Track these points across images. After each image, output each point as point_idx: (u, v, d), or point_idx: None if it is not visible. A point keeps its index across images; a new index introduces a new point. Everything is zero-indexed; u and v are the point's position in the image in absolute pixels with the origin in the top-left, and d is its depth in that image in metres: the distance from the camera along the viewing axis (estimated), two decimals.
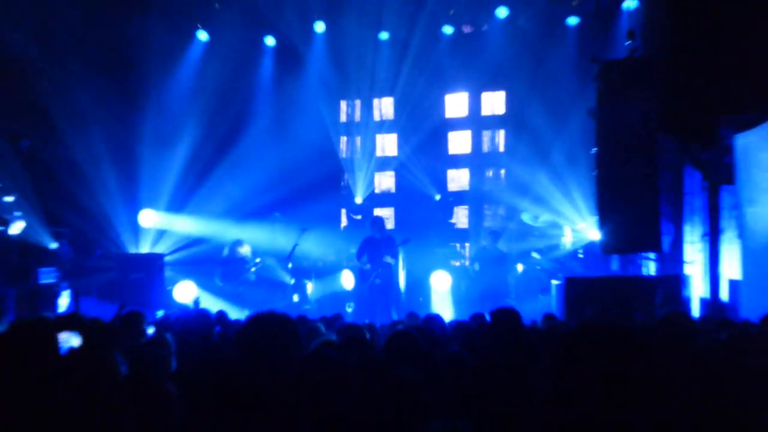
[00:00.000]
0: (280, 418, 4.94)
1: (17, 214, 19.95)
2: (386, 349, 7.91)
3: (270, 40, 25.16)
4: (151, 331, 11.33)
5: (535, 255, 22.16)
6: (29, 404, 4.43)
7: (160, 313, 16.24)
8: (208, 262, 23.00)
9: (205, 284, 22.20)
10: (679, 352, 7.66)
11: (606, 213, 17.30)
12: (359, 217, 25.31)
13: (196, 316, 9.22)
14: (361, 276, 21.28)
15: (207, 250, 23.68)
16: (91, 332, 6.05)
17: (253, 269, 22.28)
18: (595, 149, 17.80)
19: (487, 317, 17.90)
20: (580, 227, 21.70)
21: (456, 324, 11.85)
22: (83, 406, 4.88)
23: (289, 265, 21.95)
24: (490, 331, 8.72)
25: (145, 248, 24.40)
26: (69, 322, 10.14)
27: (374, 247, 20.87)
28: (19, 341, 4.77)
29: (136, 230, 24.46)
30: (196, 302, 17.75)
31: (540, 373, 6.16)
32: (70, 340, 6.94)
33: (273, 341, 6.06)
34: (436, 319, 11.21)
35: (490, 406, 4.92)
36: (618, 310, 14.37)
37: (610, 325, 3.98)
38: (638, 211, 16.81)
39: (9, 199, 20.78)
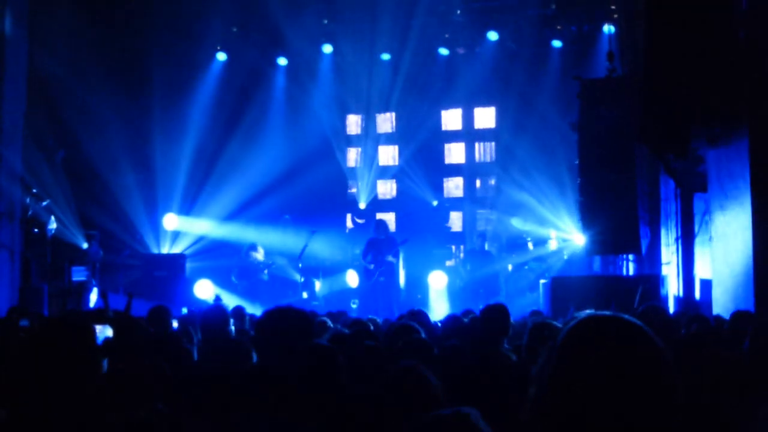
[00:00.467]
0: (296, 403, 4.94)
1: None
2: (391, 340, 7.92)
3: (282, 60, 25.21)
4: (175, 325, 11.40)
5: (529, 244, 22.28)
6: (74, 386, 4.42)
7: (184, 311, 16.25)
8: (225, 262, 23.05)
9: (221, 282, 22.27)
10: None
11: (588, 218, 17.33)
12: (363, 221, 25.38)
13: (214, 310, 9.22)
14: (365, 274, 21.33)
15: (223, 250, 23.70)
16: (121, 325, 6.06)
17: (266, 272, 22.30)
18: (578, 159, 17.83)
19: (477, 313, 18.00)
20: (565, 231, 21.72)
21: (449, 318, 11.84)
22: (121, 390, 4.89)
23: (299, 265, 22.01)
24: (481, 325, 8.73)
25: (167, 249, 24.47)
26: (99, 315, 10.19)
27: (378, 247, 20.94)
28: (65, 331, 4.75)
29: (159, 232, 24.54)
30: (217, 299, 17.81)
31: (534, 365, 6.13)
32: (105, 331, 6.97)
33: (289, 332, 6.09)
34: (422, 314, 11.23)
35: (488, 397, 4.90)
36: (598, 307, 14.36)
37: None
38: (618, 215, 16.83)
39: (44, 203, 20.90)
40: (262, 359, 5.96)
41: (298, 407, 4.82)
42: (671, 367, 2.57)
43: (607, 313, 2.70)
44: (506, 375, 5.54)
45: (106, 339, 5.69)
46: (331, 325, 9.98)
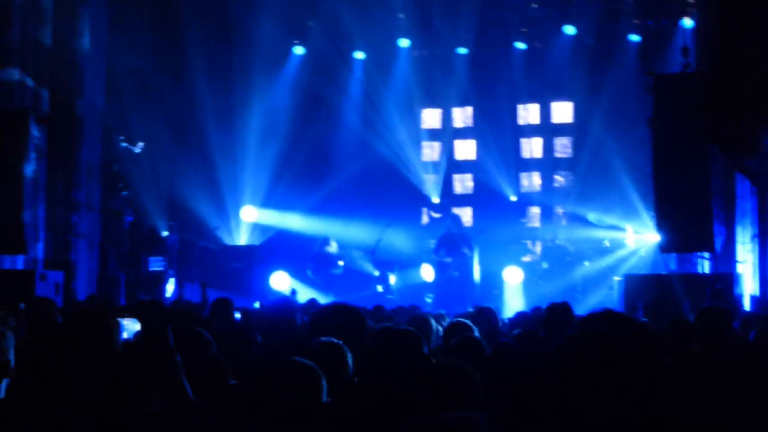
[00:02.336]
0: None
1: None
2: (445, 338, 8.10)
3: (359, 54, 25.47)
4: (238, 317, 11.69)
5: (606, 243, 22.23)
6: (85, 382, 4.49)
7: (257, 305, 16.56)
8: (301, 254, 23.30)
9: (298, 274, 22.56)
10: (717, 342, 7.79)
11: (663, 215, 17.27)
12: (439, 215, 25.50)
13: (280, 303, 9.39)
14: (440, 269, 21.50)
15: (301, 243, 23.97)
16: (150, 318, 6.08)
17: (341, 263, 22.51)
18: (652, 156, 17.79)
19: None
20: (642, 228, 21.66)
21: (518, 316, 11.96)
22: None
23: (374, 259, 22.22)
24: (544, 324, 8.84)
25: (244, 240, 24.83)
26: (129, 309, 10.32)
27: (452, 242, 21.10)
28: (80, 326, 4.80)
29: (237, 224, 24.93)
30: (293, 292, 18.11)
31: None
32: (134, 326, 7.04)
33: (340, 328, 6.31)
34: (489, 312, 11.30)
35: (524, 401, 4.98)
36: (668, 305, 14.40)
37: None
38: (692, 213, 16.76)
39: (124, 193, 21.41)
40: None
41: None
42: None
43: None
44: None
45: (136, 333, 5.86)
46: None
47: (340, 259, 22.68)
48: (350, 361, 5.64)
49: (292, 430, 4.19)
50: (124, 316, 5.77)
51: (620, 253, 22.12)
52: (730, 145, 14.10)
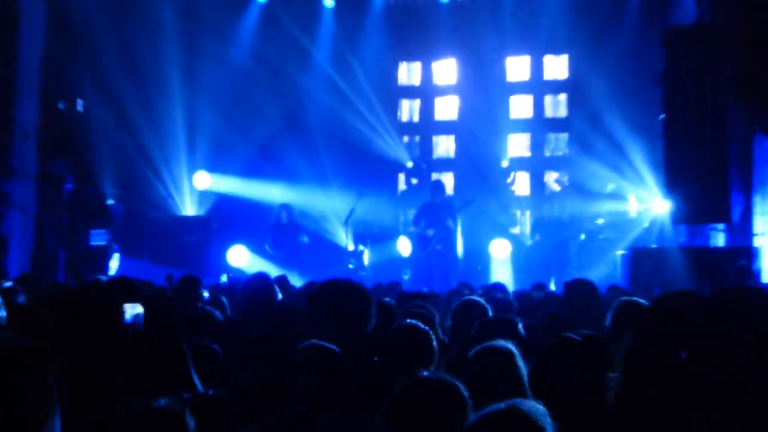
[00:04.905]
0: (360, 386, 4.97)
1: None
2: (456, 317, 7.92)
3: (328, 1, 25.13)
4: (206, 295, 11.44)
5: (599, 221, 22.08)
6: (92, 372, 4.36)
7: (224, 278, 16.32)
8: (262, 226, 23.02)
9: (257, 249, 22.31)
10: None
11: (673, 182, 17.15)
12: (416, 181, 25.29)
13: (258, 280, 9.18)
14: (419, 242, 21.29)
15: (261, 213, 23.67)
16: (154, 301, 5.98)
17: (305, 238, 22.21)
18: (662, 117, 17.64)
19: (550, 287, 17.97)
20: (646, 196, 21.54)
21: (519, 295, 11.79)
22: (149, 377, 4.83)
23: (346, 231, 21.98)
24: (564, 302, 8.69)
25: (198, 210, 24.50)
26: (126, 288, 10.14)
27: (433, 212, 20.87)
28: (87, 308, 4.64)
29: (189, 192, 24.57)
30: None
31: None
32: (135, 308, 6.94)
33: (347, 312, 6.12)
34: (500, 288, 11.13)
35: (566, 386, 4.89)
36: (686, 283, 14.29)
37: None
38: (707, 180, 16.64)
39: (62, 158, 21.01)
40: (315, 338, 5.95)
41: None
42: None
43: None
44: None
45: (137, 317, 5.71)
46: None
47: (304, 230, 22.39)
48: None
49: None
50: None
51: (621, 223, 22.00)
52: (750, 104, 13.97)
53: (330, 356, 5.22)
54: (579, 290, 8.62)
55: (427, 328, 5.97)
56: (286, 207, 22.42)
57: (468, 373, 5.08)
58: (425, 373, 4.33)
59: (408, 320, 6.30)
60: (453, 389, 4.14)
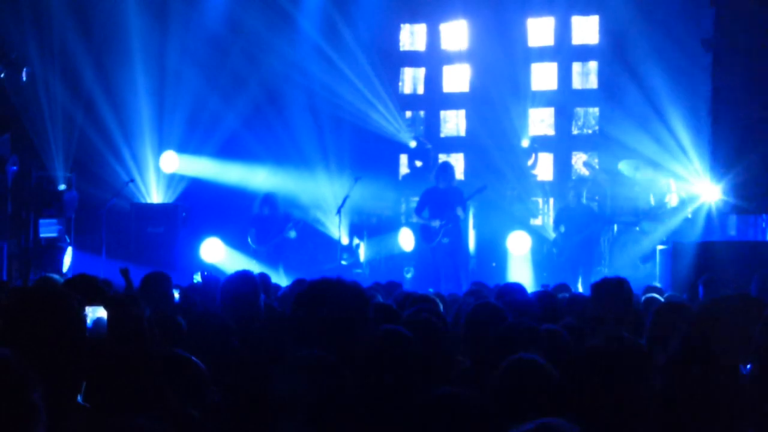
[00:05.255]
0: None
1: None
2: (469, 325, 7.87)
3: None
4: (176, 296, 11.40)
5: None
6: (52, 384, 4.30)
7: (197, 278, 16.27)
8: (240, 216, 22.95)
9: (235, 242, 22.26)
10: None
11: (725, 165, 17.13)
12: (420, 163, 25.25)
13: (240, 279, 9.14)
14: (423, 234, 21.20)
15: (239, 201, 23.58)
16: (118, 304, 5.86)
17: (293, 233, 22.08)
18: (711, 88, 17.60)
19: (576, 288, 17.96)
20: (690, 181, 21.48)
21: (541, 295, 11.73)
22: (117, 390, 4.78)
23: (339, 221, 21.85)
24: (593, 307, 8.65)
25: (166, 197, 24.41)
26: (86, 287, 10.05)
27: (439, 199, 20.77)
28: (41, 312, 4.58)
29: (155, 176, 24.48)
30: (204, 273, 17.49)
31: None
32: (96, 312, 6.90)
33: (338, 317, 6.08)
34: (516, 290, 11.07)
35: (601, 400, 4.89)
36: (737, 283, 14.23)
37: None
38: (764, 163, 16.62)
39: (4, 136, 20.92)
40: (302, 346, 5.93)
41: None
42: None
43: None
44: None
45: (97, 321, 5.65)
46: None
47: (292, 222, 22.30)
48: None
49: None
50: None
51: (660, 213, 21.92)
52: None
53: (329, 367, 5.19)
54: (610, 292, 8.54)
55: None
56: (268, 199, 22.19)
57: (491, 388, 5.08)
58: (444, 389, 4.31)
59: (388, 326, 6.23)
60: (478, 406, 4.14)
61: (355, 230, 23.10)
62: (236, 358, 7.28)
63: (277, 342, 7.33)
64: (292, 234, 22.00)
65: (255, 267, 18.74)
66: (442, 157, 24.67)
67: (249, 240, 21.99)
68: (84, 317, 4.65)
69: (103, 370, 4.63)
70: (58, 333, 4.45)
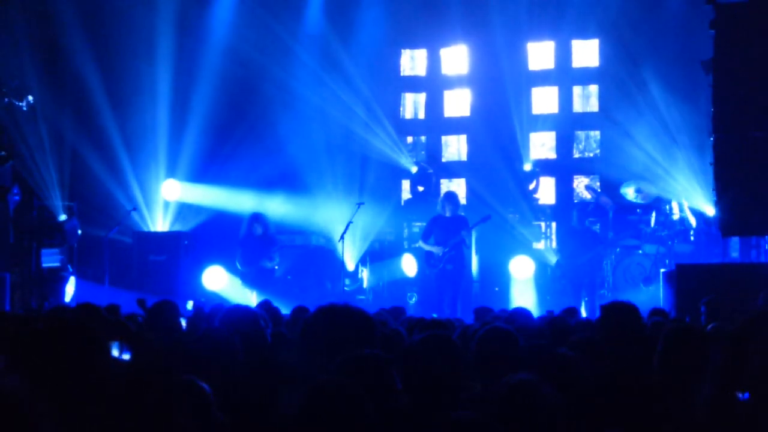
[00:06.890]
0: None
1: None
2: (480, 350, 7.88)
3: None
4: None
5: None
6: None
7: (190, 306, 16.27)
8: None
9: (238, 270, 22.20)
10: None
11: (725, 186, 17.12)
12: (422, 188, 25.27)
13: (243, 311, 9.17)
14: (427, 260, 21.19)
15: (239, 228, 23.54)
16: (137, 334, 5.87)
17: (270, 263, 21.72)
18: (712, 110, 17.66)
19: (583, 312, 17.99)
20: (693, 203, 21.52)
21: (550, 320, 11.75)
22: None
23: (342, 246, 21.80)
24: (601, 330, 8.67)
25: (167, 226, 24.43)
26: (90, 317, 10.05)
27: (444, 227, 20.80)
28: (66, 346, 4.55)
29: (157, 204, 24.51)
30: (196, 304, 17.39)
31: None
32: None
33: (348, 343, 6.12)
34: (523, 314, 11.10)
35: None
36: (741, 305, 14.23)
37: None
38: (766, 184, 16.65)
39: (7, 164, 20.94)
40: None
41: None
42: None
43: None
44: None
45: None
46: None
47: (278, 246, 21.88)
48: None
49: None
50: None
51: (663, 236, 21.93)
52: None
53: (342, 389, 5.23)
54: (618, 315, 8.57)
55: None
56: (259, 218, 21.75)
57: (505, 416, 5.10)
58: (463, 413, 4.35)
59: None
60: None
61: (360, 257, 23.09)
62: (243, 379, 7.30)
63: (285, 366, 7.36)
64: (269, 264, 21.50)
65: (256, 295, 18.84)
66: (444, 182, 24.72)
67: (237, 264, 21.72)
68: (108, 347, 4.67)
69: (127, 399, 4.65)
70: (86, 367, 4.46)
